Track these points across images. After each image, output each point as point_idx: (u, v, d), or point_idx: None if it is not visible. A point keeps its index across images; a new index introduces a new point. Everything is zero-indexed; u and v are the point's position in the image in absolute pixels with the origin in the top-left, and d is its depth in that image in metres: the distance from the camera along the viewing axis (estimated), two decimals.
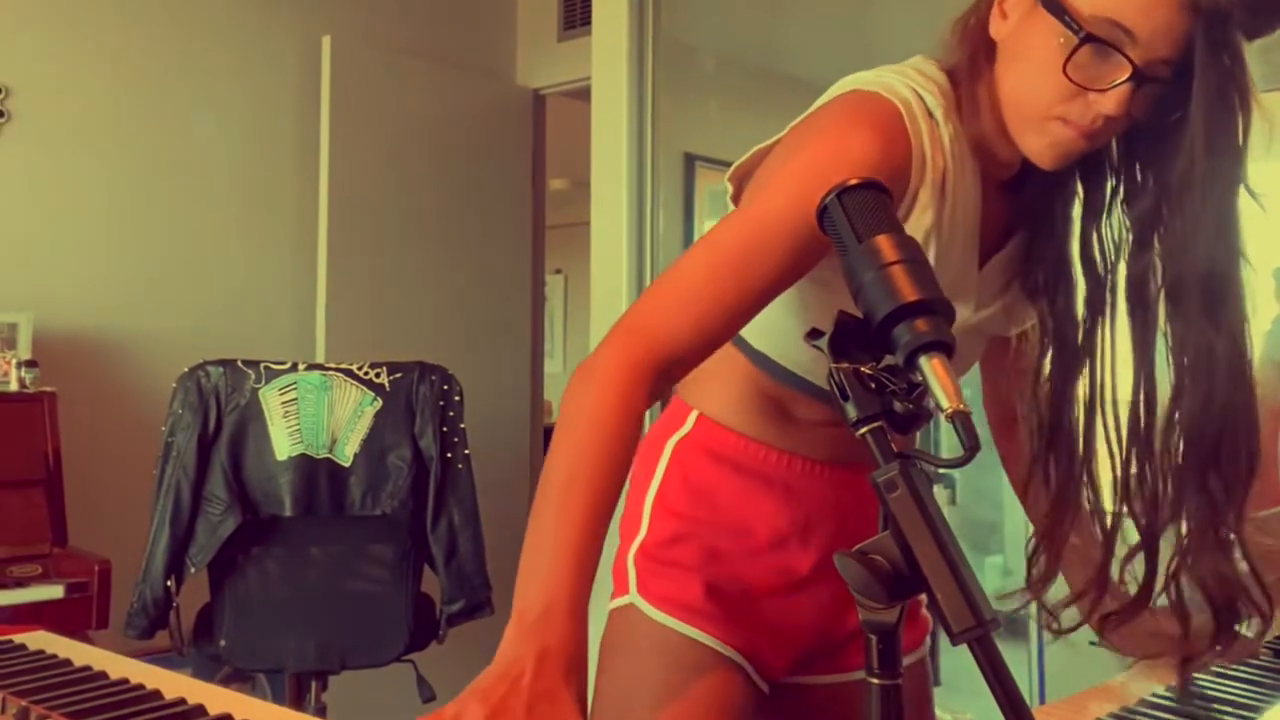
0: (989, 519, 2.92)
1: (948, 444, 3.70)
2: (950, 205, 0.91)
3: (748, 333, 0.98)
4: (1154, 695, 0.97)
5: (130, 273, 2.91)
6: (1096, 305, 0.95)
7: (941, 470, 0.78)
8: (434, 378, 2.24)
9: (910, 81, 0.91)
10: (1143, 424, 0.92)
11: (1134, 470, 0.93)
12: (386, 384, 2.22)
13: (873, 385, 0.68)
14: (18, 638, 1.13)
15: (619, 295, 2.98)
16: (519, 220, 3.72)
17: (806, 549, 1.01)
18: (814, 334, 0.71)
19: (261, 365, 2.19)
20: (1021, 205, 0.97)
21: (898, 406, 0.67)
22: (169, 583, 2.07)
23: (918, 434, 0.83)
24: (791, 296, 0.92)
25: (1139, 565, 0.95)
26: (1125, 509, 0.94)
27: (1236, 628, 0.93)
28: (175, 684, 0.95)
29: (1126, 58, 0.82)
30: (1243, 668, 1.04)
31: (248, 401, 2.15)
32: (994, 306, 0.99)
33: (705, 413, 1.03)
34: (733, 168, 0.98)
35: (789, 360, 0.99)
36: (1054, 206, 0.95)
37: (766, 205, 0.85)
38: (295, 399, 2.17)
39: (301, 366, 2.21)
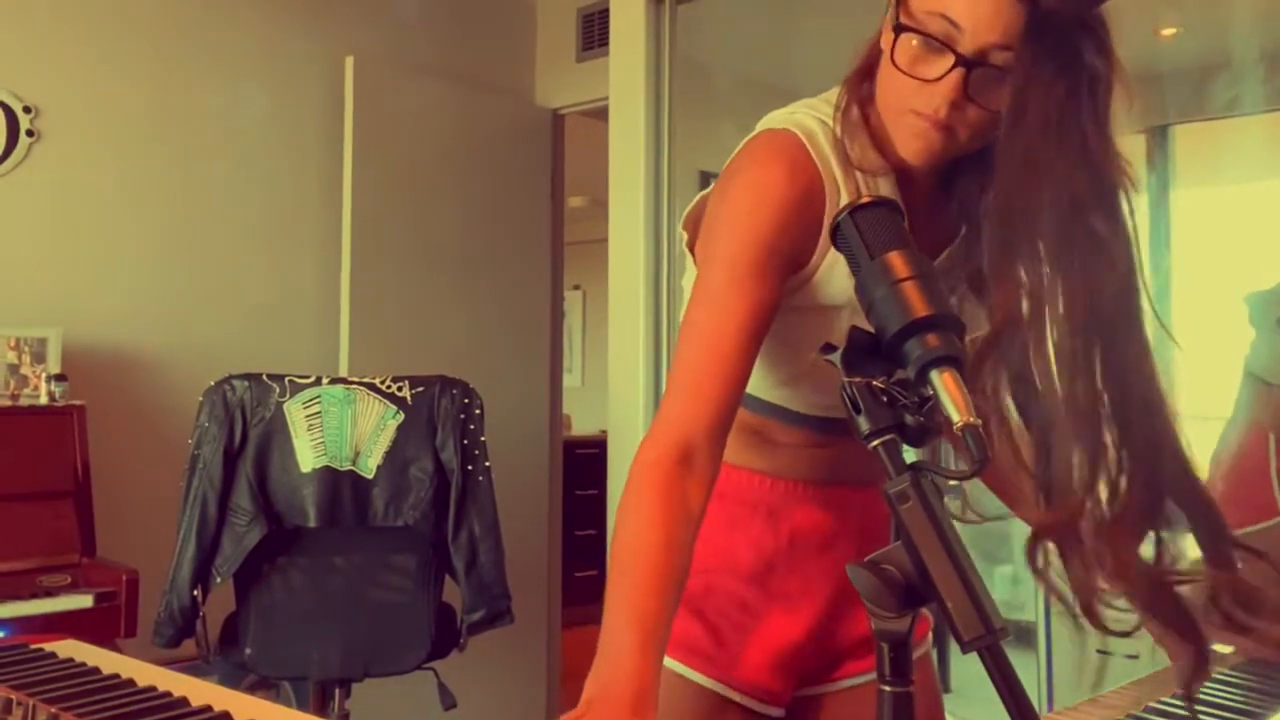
0: (998, 529, 2.93)
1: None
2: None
3: None
4: (1159, 702, 0.98)
5: (157, 288, 2.96)
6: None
7: (951, 482, 0.79)
8: (455, 391, 2.27)
9: (817, 113, 0.97)
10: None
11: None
12: (409, 398, 2.24)
13: (885, 399, 0.69)
14: (47, 646, 1.14)
15: (636, 310, 3.01)
16: (538, 237, 3.75)
17: (793, 570, 1.03)
18: (827, 348, 0.72)
19: (286, 379, 2.21)
20: (956, 205, 1.02)
21: (909, 420, 0.69)
22: (195, 592, 2.09)
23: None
24: None
25: None
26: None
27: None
28: (201, 691, 0.96)
29: (949, 48, 0.87)
30: (1247, 676, 1.05)
31: (272, 414, 2.18)
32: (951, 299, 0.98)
33: None
34: (684, 215, 1.05)
35: (762, 391, 1.03)
36: (975, 203, 0.99)
37: (712, 278, 0.93)
38: (319, 412, 2.20)
39: (325, 380, 2.24)
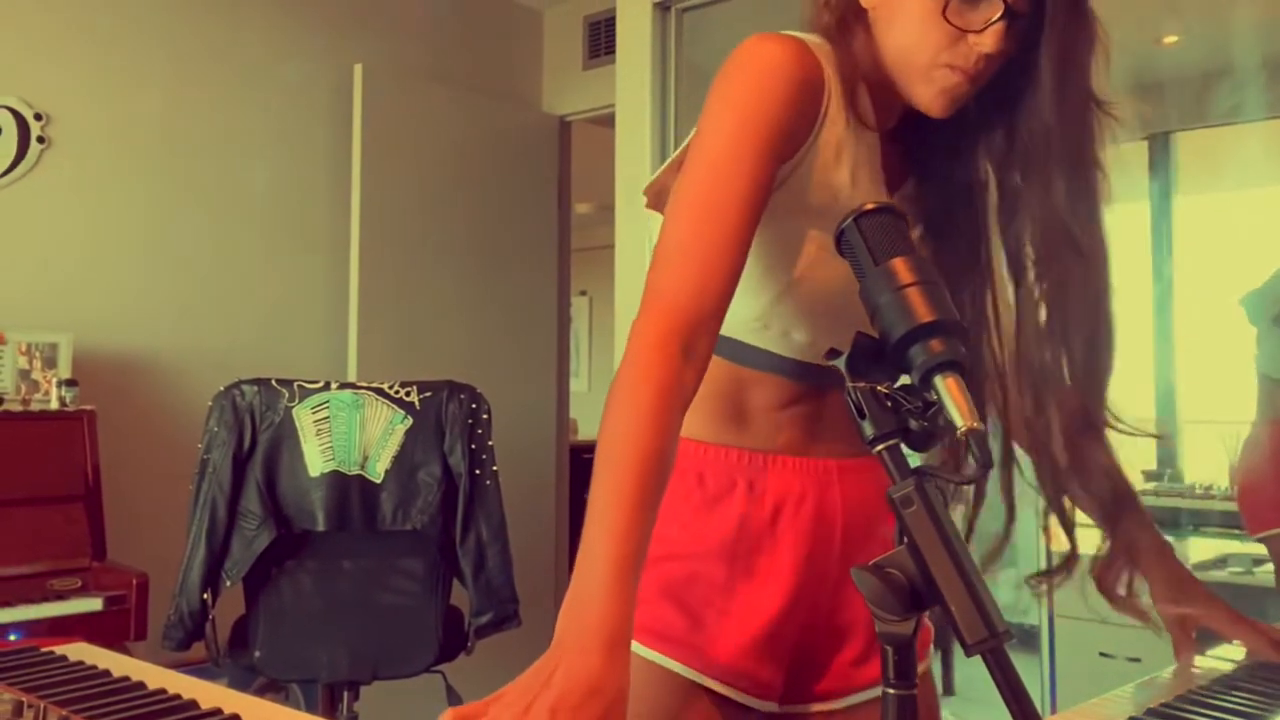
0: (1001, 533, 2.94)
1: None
2: (854, 124, 0.95)
3: None
4: (1162, 704, 0.98)
5: (167, 294, 2.98)
6: (985, 264, 0.99)
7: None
8: (463, 396, 2.28)
9: (792, 34, 0.95)
10: (1018, 360, 0.98)
11: (1026, 413, 0.98)
12: (417, 402, 2.25)
13: (889, 404, 0.69)
14: (58, 649, 1.14)
15: None
16: (545, 243, 3.77)
17: (777, 543, 1.00)
18: (832, 353, 0.73)
19: (295, 384, 2.23)
20: (907, 155, 1.01)
21: (913, 424, 0.69)
22: (205, 595, 2.10)
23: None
24: None
25: None
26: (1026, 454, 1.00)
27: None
28: (211, 694, 0.96)
29: None
30: (1250, 679, 1.05)
31: (281, 419, 2.19)
32: None
33: None
34: (648, 184, 1.01)
35: (740, 332, 0.99)
36: (935, 158, 1.00)
37: (714, 139, 0.89)
38: (328, 417, 2.21)
39: (334, 385, 2.25)
